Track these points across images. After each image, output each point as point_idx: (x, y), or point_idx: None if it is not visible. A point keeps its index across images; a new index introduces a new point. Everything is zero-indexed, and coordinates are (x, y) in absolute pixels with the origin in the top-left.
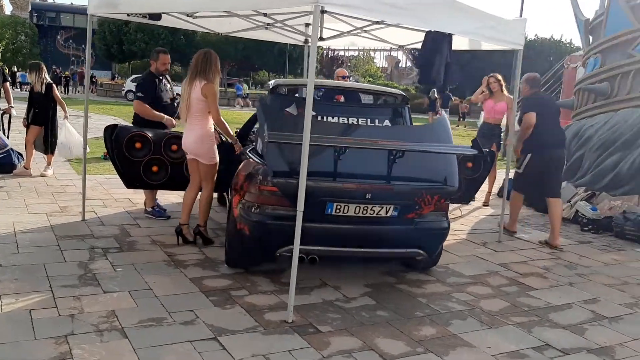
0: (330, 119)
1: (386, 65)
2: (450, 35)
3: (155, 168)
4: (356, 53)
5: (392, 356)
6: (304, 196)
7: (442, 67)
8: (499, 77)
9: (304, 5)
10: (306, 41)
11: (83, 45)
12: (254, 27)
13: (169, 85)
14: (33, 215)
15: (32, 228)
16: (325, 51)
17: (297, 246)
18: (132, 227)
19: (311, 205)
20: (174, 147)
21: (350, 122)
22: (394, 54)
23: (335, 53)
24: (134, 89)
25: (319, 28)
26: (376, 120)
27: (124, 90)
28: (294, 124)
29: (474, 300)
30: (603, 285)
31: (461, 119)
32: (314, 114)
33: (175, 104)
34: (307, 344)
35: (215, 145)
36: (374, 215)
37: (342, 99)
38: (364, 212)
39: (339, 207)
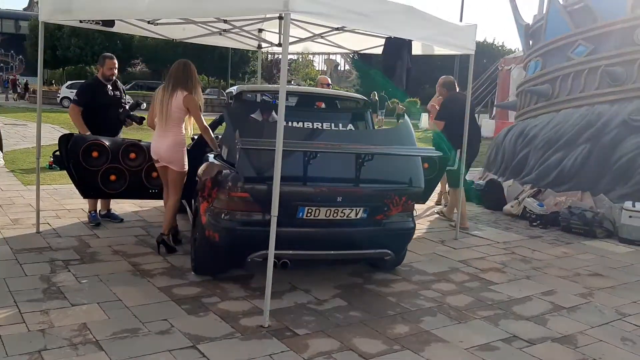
0: (295, 124)
1: (325, 69)
2: (410, 42)
3: (113, 177)
4: (295, 57)
5: (371, 355)
6: (277, 201)
7: (404, 72)
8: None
9: (272, 12)
10: (259, 46)
11: (12, 51)
12: (208, 33)
13: (117, 92)
14: None
15: None
16: (265, 55)
17: (272, 251)
18: (91, 238)
19: (283, 210)
20: (132, 155)
21: (316, 127)
22: (332, 57)
23: (276, 57)
24: (70, 96)
25: (279, 35)
26: (340, 125)
27: (59, 96)
28: (261, 130)
29: (441, 296)
30: (557, 277)
31: (399, 121)
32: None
33: (124, 109)
34: (287, 347)
35: (185, 155)
36: (344, 217)
37: (322, 105)
38: (335, 215)
39: (310, 210)
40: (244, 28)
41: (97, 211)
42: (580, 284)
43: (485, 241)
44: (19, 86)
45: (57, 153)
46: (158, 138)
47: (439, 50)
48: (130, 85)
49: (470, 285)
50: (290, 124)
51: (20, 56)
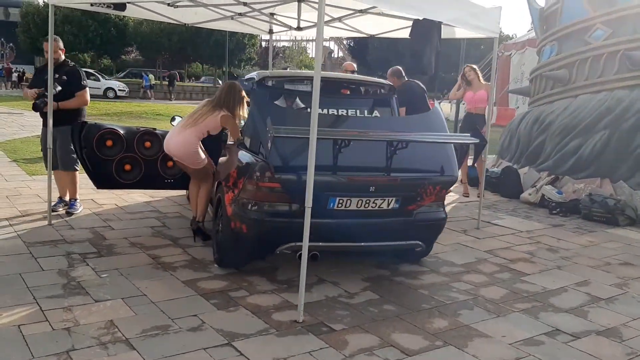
0: (321, 111)
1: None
2: (440, 24)
3: (128, 166)
4: (289, 44)
5: (414, 351)
6: (312, 192)
7: (433, 56)
8: (474, 66)
9: None
10: (270, 31)
11: (2, 39)
12: (220, 17)
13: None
14: None
15: None
16: (259, 42)
17: (306, 243)
18: (105, 230)
19: (314, 201)
20: (147, 143)
21: (341, 114)
22: (326, 44)
23: (274, 44)
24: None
25: (297, 19)
26: (365, 111)
27: None
28: (287, 117)
29: (474, 289)
30: (588, 267)
31: None
32: (304, 106)
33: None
34: (325, 343)
35: (200, 152)
36: (376, 208)
37: (347, 91)
38: (366, 205)
39: (341, 201)
40: (262, 10)
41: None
42: (613, 274)
43: (508, 230)
44: (14, 75)
45: None
46: (172, 133)
47: (460, 34)
48: (124, 73)
49: (501, 277)
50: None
51: (11, 44)
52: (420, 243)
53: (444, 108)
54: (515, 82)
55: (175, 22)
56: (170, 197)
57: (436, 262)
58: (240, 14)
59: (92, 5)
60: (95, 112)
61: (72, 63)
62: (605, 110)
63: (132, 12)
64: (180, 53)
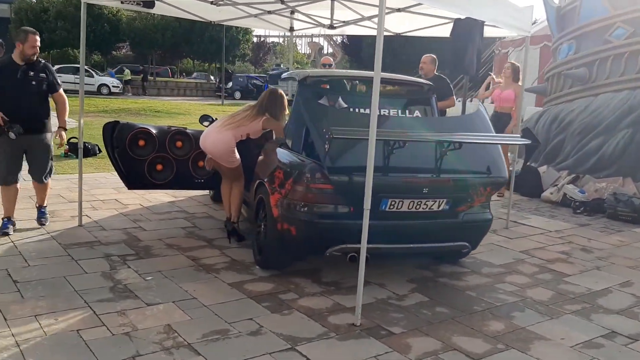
0: (363, 111)
1: (309, 51)
2: (482, 23)
3: (159, 166)
4: (278, 40)
5: (478, 355)
6: (370, 193)
7: (475, 56)
8: (517, 64)
9: None
10: (291, 29)
11: None
12: (245, 15)
13: (35, 78)
14: (22, 222)
15: (30, 236)
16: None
17: (364, 245)
18: (137, 231)
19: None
20: (179, 143)
21: (388, 114)
22: (315, 39)
23: (261, 40)
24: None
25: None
26: (406, 111)
27: None
28: (334, 118)
29: (520, 290)
30: (627, 267)
31: None
32: (346, 106)
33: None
34: (389, 347)
35: (236, 152)
36: (427, 209)
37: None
38: (417, 207)
39: (393, 202)
40: (297, 8)
41: (10, 218)
42: None
43: (537, 230)
44: None
45: (73, 140)
46: (210, 131)
47: (491, 33)
48: (117, 68)
49: (543, 278)
50: (358, 111)
51: (1, 40)
52: (467, 244)
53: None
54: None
55: (201, 19)
56: (194, 197)
57: (475, 263)
58: (269, 12)
59: (122, 2)
60: (93, 109)
61: (42, 60)
62: (628, 109)
63: (160, 9)
64: (174, 49)
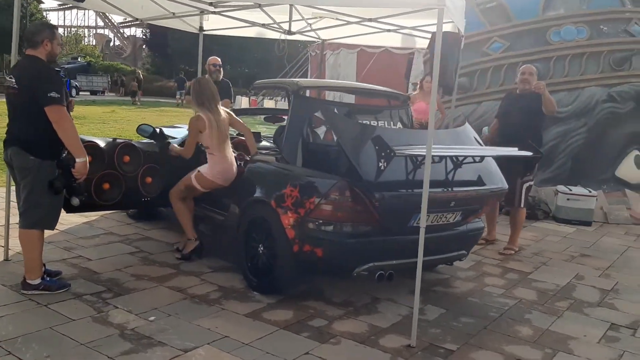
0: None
1: (94, 43)
2: (461, 37)
3: (106, 185)
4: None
5: None
6: (426, 210)
7: (455, 72)
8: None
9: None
10: (201, 29)
11: None
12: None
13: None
14: None
15: None
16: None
17: (420, 258)
18: (82, 261)
19: (396, 218)
20: (126, 158)
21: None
22: (100, 31)
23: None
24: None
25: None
26: (392, 123)
27: None
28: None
29: (507, 291)
30: (564, 262)
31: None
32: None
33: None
34: None
35: None
36: (446, 222)
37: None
38: (439, 220)
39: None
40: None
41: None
42: (584, 265)
43: None
44: None
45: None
46: (232, 160)
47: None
48: None
49: (513, 277)
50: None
51: None
52: (465, 252)
53: None
54: None
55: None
56: (106, 215)
57: (447, 268)
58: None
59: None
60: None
61: None
62: None
63: (90, 4)
64: None
